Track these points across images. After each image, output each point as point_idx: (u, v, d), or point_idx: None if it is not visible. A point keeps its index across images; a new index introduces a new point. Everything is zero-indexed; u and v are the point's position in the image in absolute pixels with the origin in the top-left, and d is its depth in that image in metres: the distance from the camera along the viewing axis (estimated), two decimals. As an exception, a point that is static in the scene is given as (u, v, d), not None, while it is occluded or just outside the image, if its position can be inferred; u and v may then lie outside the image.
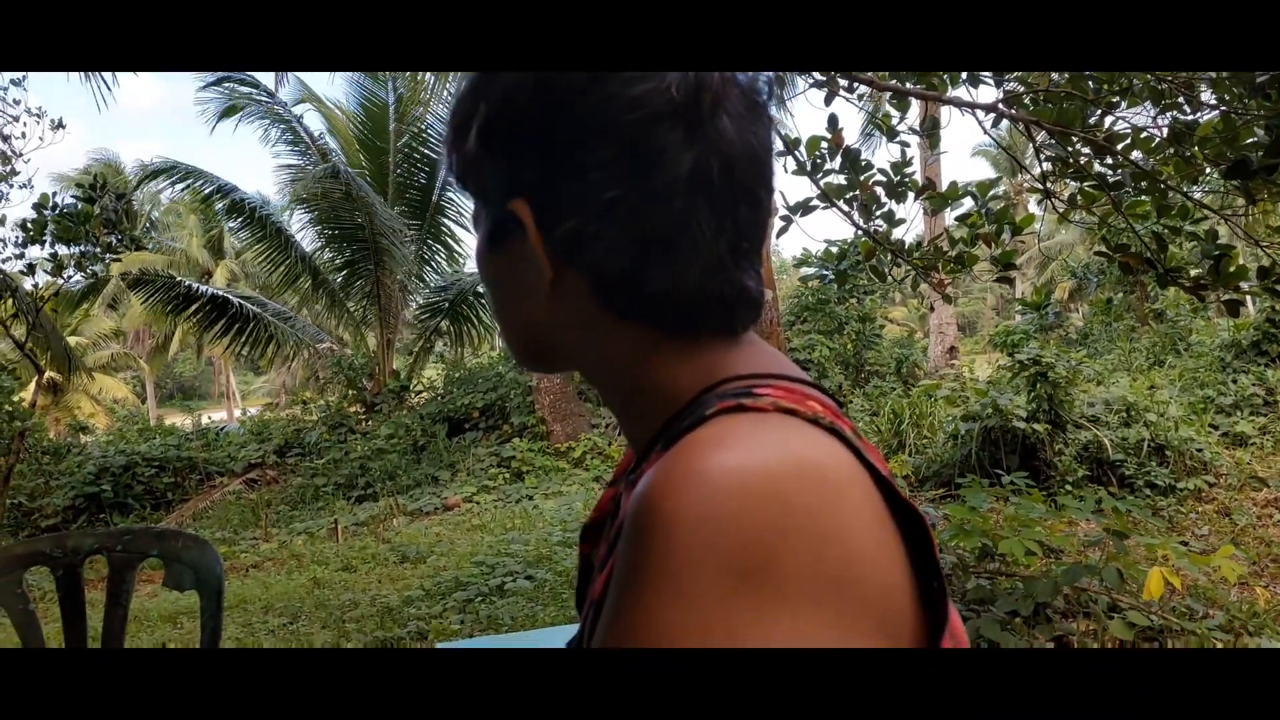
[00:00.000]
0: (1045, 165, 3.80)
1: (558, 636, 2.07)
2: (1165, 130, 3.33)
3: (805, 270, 14.74)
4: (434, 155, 13.75)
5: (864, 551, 0.49)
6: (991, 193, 3.85)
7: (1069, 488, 6.54)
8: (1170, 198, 3.43)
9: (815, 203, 3.88)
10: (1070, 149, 3.59)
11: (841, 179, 3.83)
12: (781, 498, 0.47)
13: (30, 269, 7.59)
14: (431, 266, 14.78)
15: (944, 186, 3.88)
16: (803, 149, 3.80)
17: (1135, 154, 3.41)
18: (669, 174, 0.57)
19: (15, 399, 8.86)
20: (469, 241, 14.71)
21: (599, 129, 0.58)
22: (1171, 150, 3.28)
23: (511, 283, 0.66)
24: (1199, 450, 7.03)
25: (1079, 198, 3.70)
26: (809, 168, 3.79)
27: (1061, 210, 3.85)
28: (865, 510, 0.50)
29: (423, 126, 13.58)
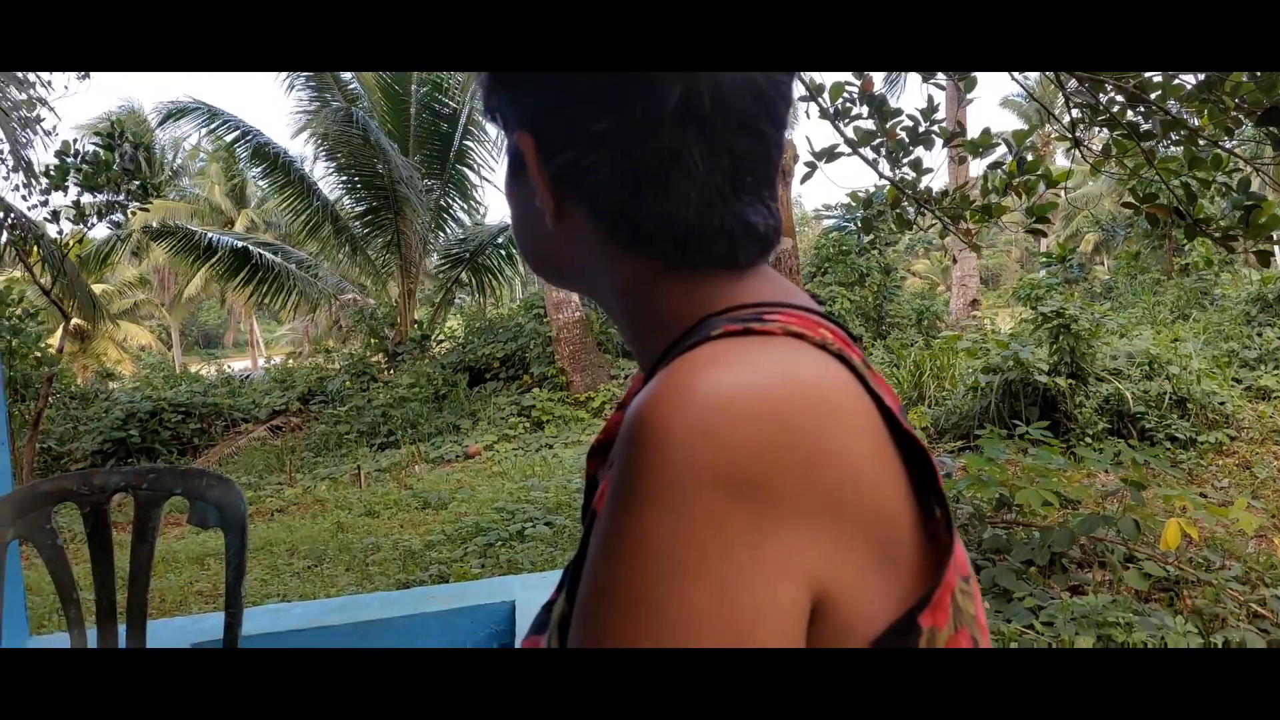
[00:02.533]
0: (1074, 113, 3.72)
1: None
2: (1198, 77, 3.25)
3: (827, 221, 14.62)
4: (454, 105, 13.65)
5: (860, 474, 0.49)
6: (1027, 141, 3.77)
7: (1089, 440, 6.51)
8: (1201, 148, 3.35)
9: (841, 149, 3.83)
10: (1101, 96, 3.52)
11: (869, 124, 3.77)
12: (779, 416, 0.47)
13: (55, 216, 7.65)
14: (451, 216, 14.75)
15: (972, 136, 3.81)
16: (827, 94, 3.74)
17: (1169, 102, 3.33)
18: (657, 105, 0.56)
19: (43, 344, 8.97)
20: (489, 191, 14.69)
21: None
22: (1204, 99, 3.20)
23: (526, 211, 0.68)
24: (1221, 404, 6.97)
25: (1111, 147, 3.63)
26: (833, 113, 3.74)
27: (1091, 161, 3.77)
28: (864, 435, 0.51)
29: (444, 76, 13.45)
